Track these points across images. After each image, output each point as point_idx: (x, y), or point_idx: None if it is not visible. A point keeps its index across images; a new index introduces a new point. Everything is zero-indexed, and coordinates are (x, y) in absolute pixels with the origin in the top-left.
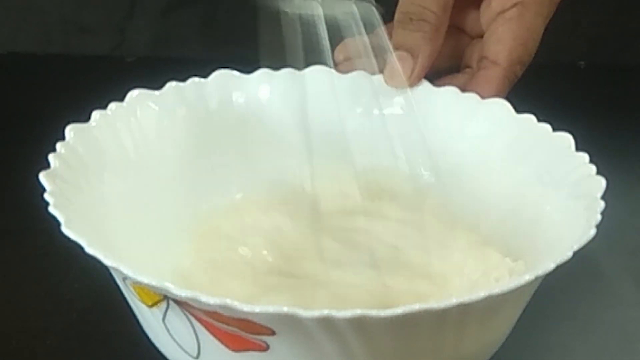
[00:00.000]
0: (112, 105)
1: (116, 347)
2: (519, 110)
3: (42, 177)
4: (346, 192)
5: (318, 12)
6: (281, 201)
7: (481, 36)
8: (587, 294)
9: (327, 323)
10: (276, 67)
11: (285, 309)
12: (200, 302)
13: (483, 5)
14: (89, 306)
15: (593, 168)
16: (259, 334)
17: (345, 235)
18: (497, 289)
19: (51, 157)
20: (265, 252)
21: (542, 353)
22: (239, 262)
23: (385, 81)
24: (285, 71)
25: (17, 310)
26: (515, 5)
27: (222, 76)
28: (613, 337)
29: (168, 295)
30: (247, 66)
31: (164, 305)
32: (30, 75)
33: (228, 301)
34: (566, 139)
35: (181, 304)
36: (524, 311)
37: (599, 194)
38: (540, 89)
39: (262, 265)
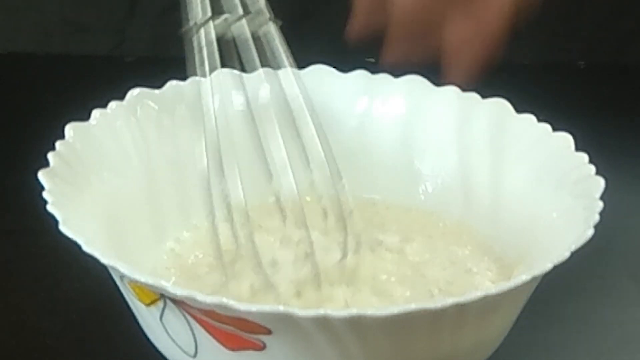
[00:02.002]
0: (112, 104)
1: (116, 347)
2: (519, 110)
3: (41, 175)
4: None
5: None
6: (273, 207)
7: None
8: (587, 294)
9: (323, 322)
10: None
11: (281, 308)
12: (196, 300)
13: None
14: (89, 306)
15: (592, 168)
16: (255, 333)
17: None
18: (494, 289)
19: (50, 155)
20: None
21: (541, 353)
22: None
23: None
24: (285, 71)
25: (17, 310)
26: None
27: (222, 75)
28: (613, 337)
29: (165, 294)
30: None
31: (161, 304)
32: (30, 75)
33: (224, 300)
34: (566, 139)
35: (178, 302)
36: (523, 310)
37: (598, 194)
38: (540, 89)
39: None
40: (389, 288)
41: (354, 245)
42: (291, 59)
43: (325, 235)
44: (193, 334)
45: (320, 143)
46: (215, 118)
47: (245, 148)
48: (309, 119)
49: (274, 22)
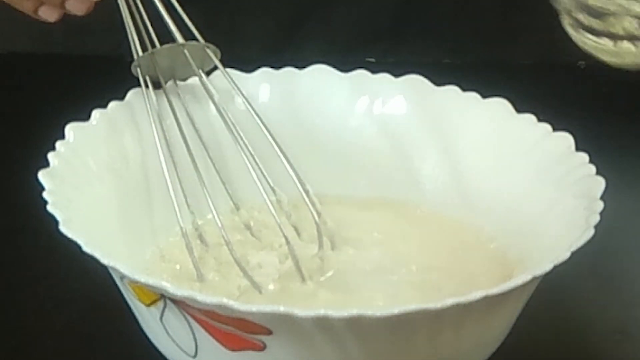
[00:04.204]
0: (112, 104)
1: (116, 347)
2: (519, 110)
3: (41, 175)
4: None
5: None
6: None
7: None
8: (587, 294)
9: (323, 323)
10: None
11: (281, 309)
12: (196, 301)
13: None
14: (89, 306)
15: (592, 168)
16: (255, 333)
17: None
18: (494, 289)
19: (50, 155)
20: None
21: (541, 353)
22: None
23: None
24: (285, 70)
25: (17, 310)
26: None
27: (222, 75)
28: (613, 337)
29: (165, 294)
30: (247, 66)
31: (161, 304)
32: (30, 75)
33: (224, 300)
34: (566, 139)
35: (178, 303)
36: (523, 310)
37: (598, 194)
38: (540, 89)
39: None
40: (384, 287)
41: (330, 242)
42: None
43: (300, 236)
44: (193, 334)
45: (281, 152)
46: (182, 129)
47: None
48: (265, 131)
49: (208, 47)
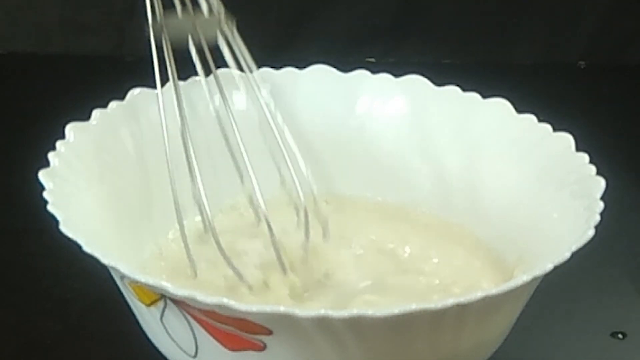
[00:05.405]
0: (113, 104)
1: (116, 347)
2: (519, 110)
3: (41, 175)
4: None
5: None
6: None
7: None
8: (586, 294)
9: (323, 323)
10: None
11: (282, 309)
12: (197, 301)
13: None
14: (89, 306)
15: (593, 168)
16: (256, 333)
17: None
18: (494, 289)
19: (51, 155)
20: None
21: (541, 353)
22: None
23: None
24: (286, 70)
25: (17, 310)
26: None
27: (223, 75)
28: (613, 337)
29: (165, 294)
30: None
31: (161, 304)
32: (30, 75)
33: (225, 300)
34: (566, 139)
35: (178, 303)
36: (523, 311)
37: (599, 194)
38: (540, 89)
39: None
40: (382, 288)
41: (321, 232)
42: (251, 61)
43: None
44: (193, 334)
45: (284, 146)
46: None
47: (215, 151)
48: (271, 122)
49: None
